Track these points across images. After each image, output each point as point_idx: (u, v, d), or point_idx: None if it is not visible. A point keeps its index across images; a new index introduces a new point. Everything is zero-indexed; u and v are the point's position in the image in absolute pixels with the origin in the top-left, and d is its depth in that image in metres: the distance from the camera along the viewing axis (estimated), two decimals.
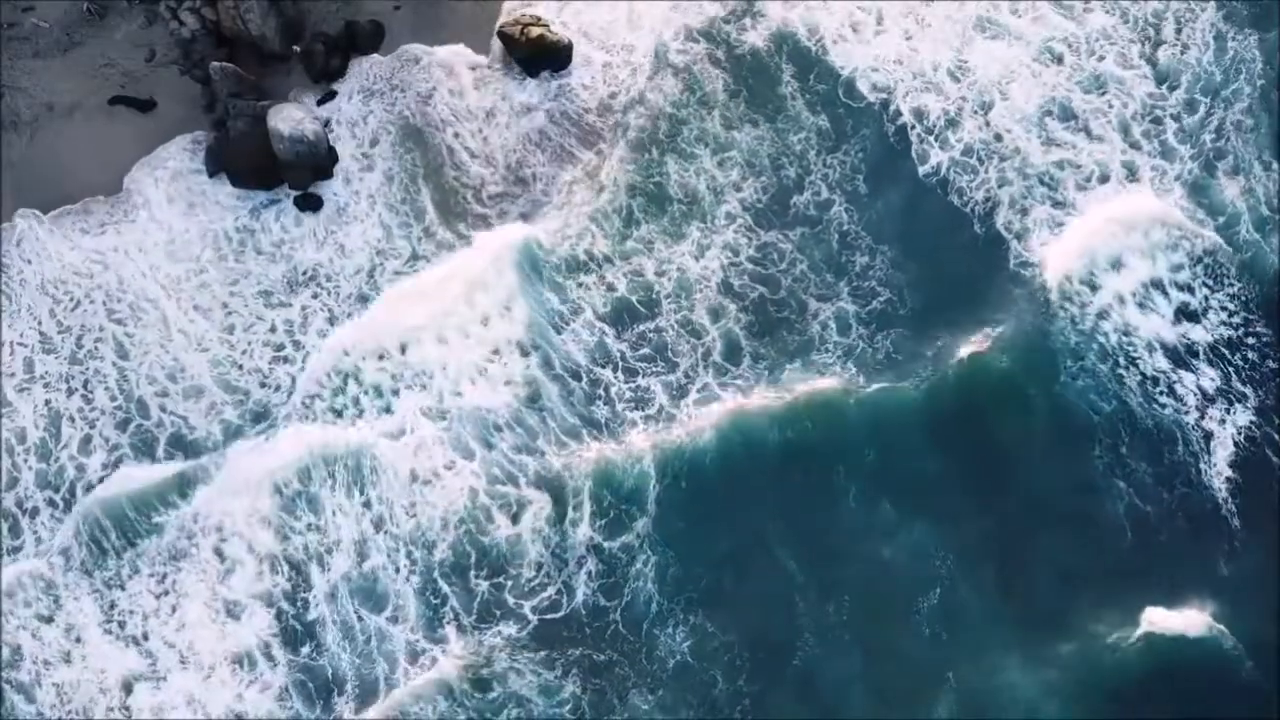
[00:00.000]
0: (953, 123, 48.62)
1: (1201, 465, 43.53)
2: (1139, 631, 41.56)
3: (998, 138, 48.34)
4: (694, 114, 48.93)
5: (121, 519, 42.20)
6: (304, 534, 42.28)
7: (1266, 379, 44.87)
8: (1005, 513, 43.19)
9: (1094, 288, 45.76)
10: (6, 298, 45.11)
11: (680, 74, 49.55)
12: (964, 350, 44.95)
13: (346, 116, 48.50)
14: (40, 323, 45.06)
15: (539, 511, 42.72)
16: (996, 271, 46.44)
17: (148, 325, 45.06)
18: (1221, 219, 47.02)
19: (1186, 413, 44.15)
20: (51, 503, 42.69)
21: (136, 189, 46.93)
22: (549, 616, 41.69)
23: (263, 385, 44.50)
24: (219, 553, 42.04)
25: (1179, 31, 49.90)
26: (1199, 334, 45.31)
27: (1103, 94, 49.07)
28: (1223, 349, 45.17)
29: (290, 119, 46.75)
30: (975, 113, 48.78)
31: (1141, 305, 45.54)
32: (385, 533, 42.35)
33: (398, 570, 41.93)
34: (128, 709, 40.17)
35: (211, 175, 47.36)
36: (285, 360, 44.85)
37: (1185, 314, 45.65)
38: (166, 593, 41.64)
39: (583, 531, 42.52)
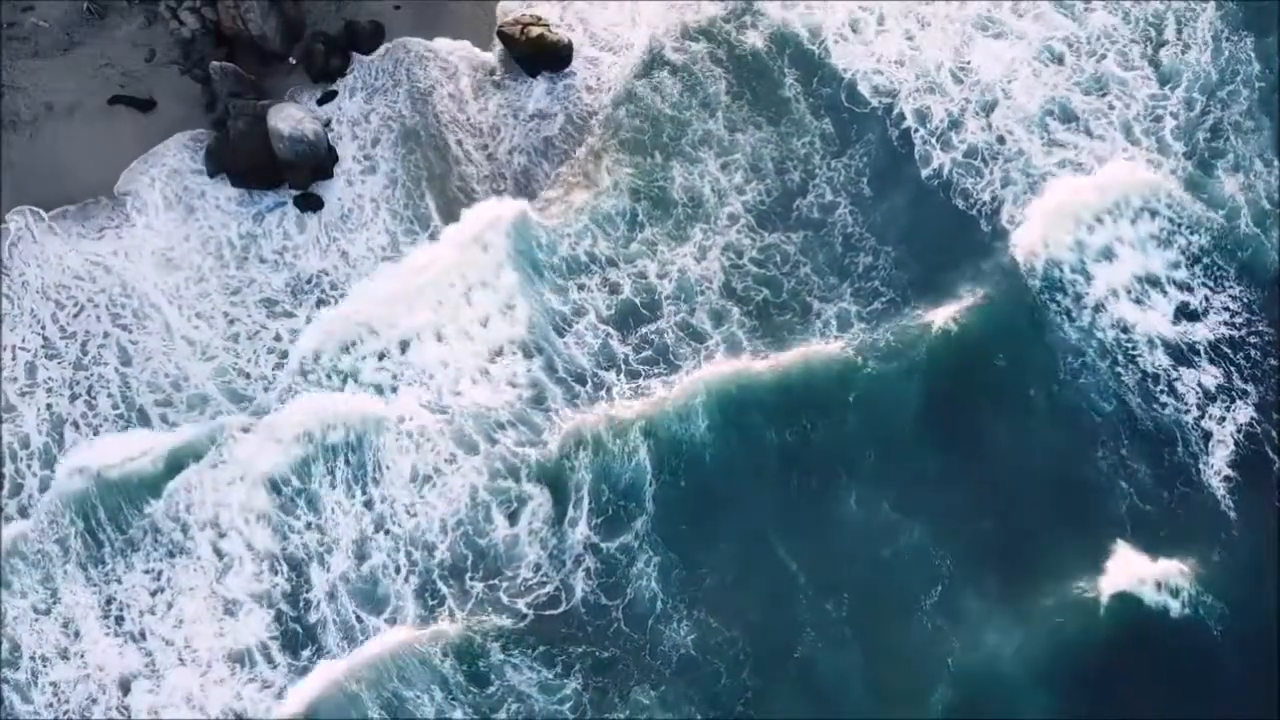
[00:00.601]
0: (956, 124, 48.54)
1: (1198, 452, 43.65)
2: (1112, 591, 41.60)
3: (1000, 140, 48.24)
4: (696, 116, 48.85)
5: (116, 509, 42.00)
6: (303, 533, 42.02)
7: (1249, 333, 45.23)
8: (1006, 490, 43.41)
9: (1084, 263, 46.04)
10: (8, 299, 44.91)
11: (679, 73, 49.49)
12: (946, 317, 45.22)
13: (348, 116, 48.43)
14: (45, 328, 44.83)
15: (537, 509, 42.55)
16: (998, 272, 46.50)
17: (151, 333, 44.81)
18: (1222, 212, 46.85)
19: (1175, 382, 44.41)
20: None
21: (135, 191, 46.77)
22: (547, 612, 41.43)
23: (267, 390, 44.20)
24: (217, 550, 41.76)
25: (1180, 31, 49.84)
26: (1193, 299, 45.59)
27: (1104, 95, 49.00)
28: (1212, 315, 45.48)
29: (290, 118, 46.62)
30: (978, 114, 48.69)
31: (1138, 298, 45.57)
32: (385, 531, 42.13)
33: (398, 570, 41.64)
34: (126, 708, 39.87)
35: (211, 175, 47.23)
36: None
37: (1180, 286, 45.88)
38: (163, 589, 41.33)
39: (581, 526, 42.41)
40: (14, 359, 44.48)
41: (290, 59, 48.77)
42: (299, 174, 47.06)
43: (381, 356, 44.58)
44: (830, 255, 46.47)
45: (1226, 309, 45.39)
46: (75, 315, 45.03)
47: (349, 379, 44.14)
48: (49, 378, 44.26)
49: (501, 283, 45.60)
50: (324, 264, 46.21)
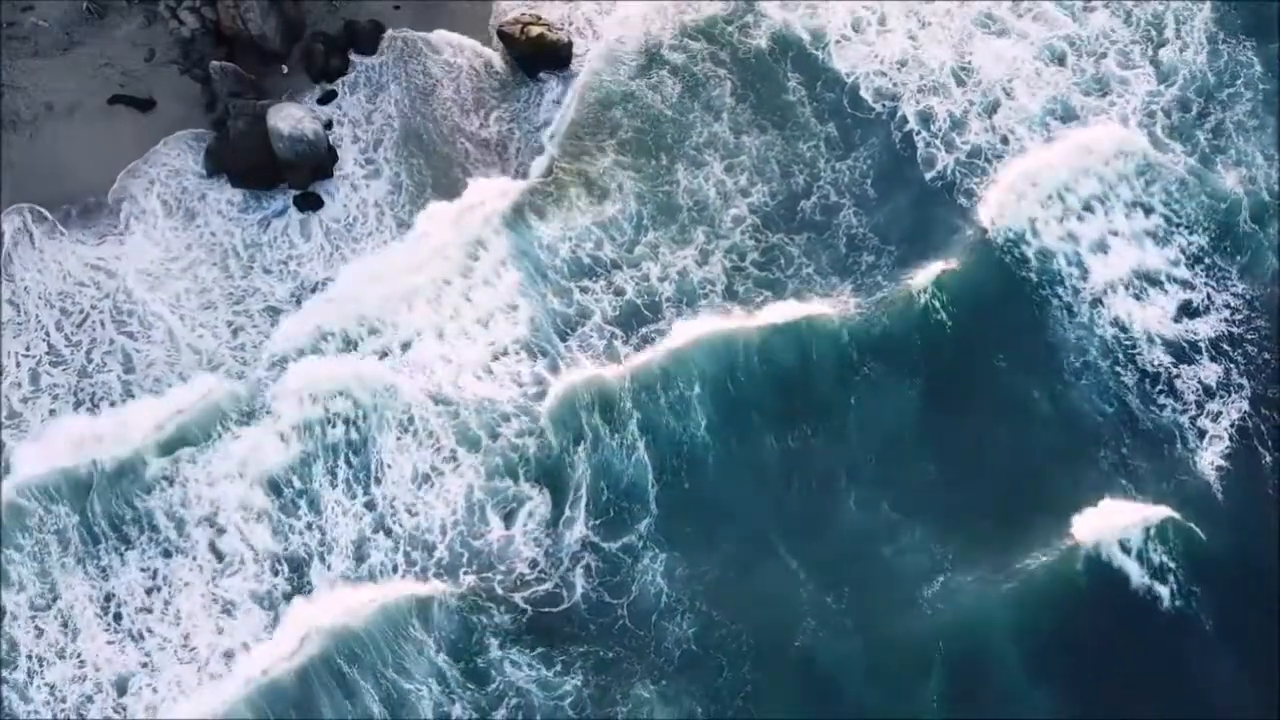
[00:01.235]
0: (959, 124, 48.60)
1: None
2: (1092, 566, 41.29)
3: (1004, 140, 48.26)
4: (700, 118, 48.84)
5: (113, 505, 41.64)
6: (303, 533, 41.78)
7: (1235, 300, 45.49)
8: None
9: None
10: (11, 305, 44.71)
11: (680, 74, 49.48)
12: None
13: (349, 117, 48.35)
14: (49, 335, 44.58)
15: (535, 507, 42.31)
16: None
17: (155, 341, 44.56)
18: (1224, 206, 46.82)
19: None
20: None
21: (134, 196, 46.55)
22: (546, 610, 41.11)
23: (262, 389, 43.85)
24: (215, 549, 41.50)
25: (1178, 31, 50.08)
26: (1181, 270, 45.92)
27: (1104, 94, 49.10)
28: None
29: (290, 118, 46.51)
30: (981, 115, 48.77)
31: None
32: (384, 531, 41.90)
33: (395, 569, 41.36)
34: (124, 707, 39.53)
35: (211, 175, 47.09)
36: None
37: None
38: (160, 588, 41.04)
39: (579, 525, 42.16)
40: (18, 366, 44.16)
41: (284, 67, 48.65)
42: (299, 174, 46.93)
43: (383, 356, 44.30)
44: (834, 256, 46.32)
45: (1207, 283, 45.62)
46: (80, 324, 44.67)
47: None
48: (54, 384, 43.92)
49: (503, 283, 45.51)
50: (329, 272, 45.87)
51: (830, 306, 45.03)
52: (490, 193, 46.93)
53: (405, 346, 44.36)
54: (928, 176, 47.78)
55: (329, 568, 41.19)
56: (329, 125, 47.94)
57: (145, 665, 39.81)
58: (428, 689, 39.54)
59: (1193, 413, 43.52)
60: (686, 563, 41.53)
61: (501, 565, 41.37)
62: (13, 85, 47.53)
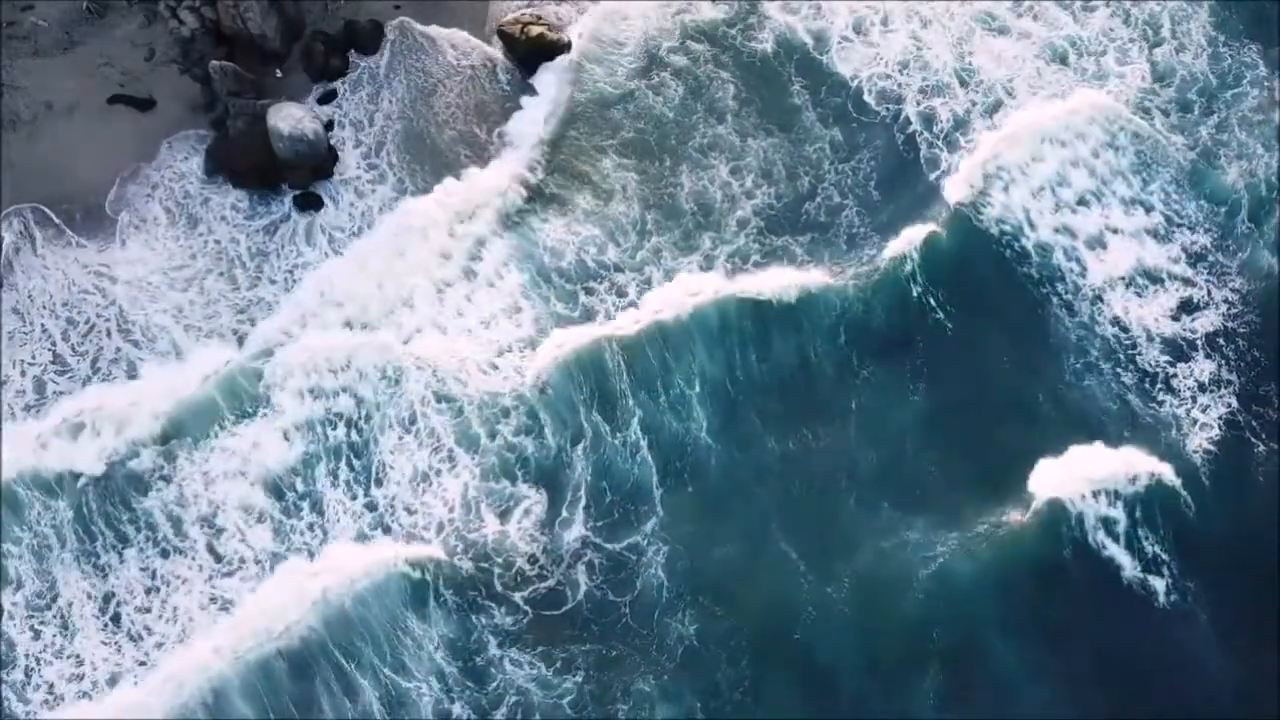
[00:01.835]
0: (961, 124, 48.61)
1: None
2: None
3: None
4: (703, 119, 48.79)
5: (111, 503, 41.55)
6: (304, 534, 41.63)
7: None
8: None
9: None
10: (15, 314, 44.58)
11: (682, 76, 49.42)
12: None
13: (350, 118, 48.23)
14: (55, 343, 44.33)
15: (533, 505, 42.15)
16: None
17: (159, 351, 44.31)
18: (1224, 207, 46.83)
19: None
20: None
21: (134, 203, 46.32)
22: (547, 612, 40.88)
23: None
24: (213, 550, 41.33)
25: (1174, 32, 50.32)
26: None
27: (1105, 93, 49.13)
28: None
29: (290, 118, 46.43)
30: (983, 115, 48.78)
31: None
32: (383, 529, 41.72)
33: (395, 568, 41.16)
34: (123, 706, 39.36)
35: (210, 175, 46.96)
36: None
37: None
38: (158, 588, 40.84)
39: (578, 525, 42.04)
40: (23, 374, 43.91)
41: (278, 71, 48.55)
42: (299, 174, 46.84)
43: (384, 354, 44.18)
44: (836, 252, 46.28)
45: (1207, 280, 45.65)
46: (86, 334, 44.38)
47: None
48: (58, 392, 43.69)
49: (505, 284, 45.43)
50: (330, 272, 45.56)
51: (827, 274, 45.30)
52: (491, 193, 46.86)
53: (406, 342, 44.25)
54: (931, 176, 47.78)
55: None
56: (330, 125, 47.82)
57: (144, 665, 39.67)
58: (428, 687, 39.35)
59: (1188, 405, 43.57)
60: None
61: (499, 559, 41.29)
62: (13, 85, 47.50)
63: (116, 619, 40.28)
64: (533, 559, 41.18)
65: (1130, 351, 44.19)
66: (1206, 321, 44.83)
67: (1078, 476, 41.69)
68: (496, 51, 49.61)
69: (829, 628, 40.10)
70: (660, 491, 42.33)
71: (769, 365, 44.28)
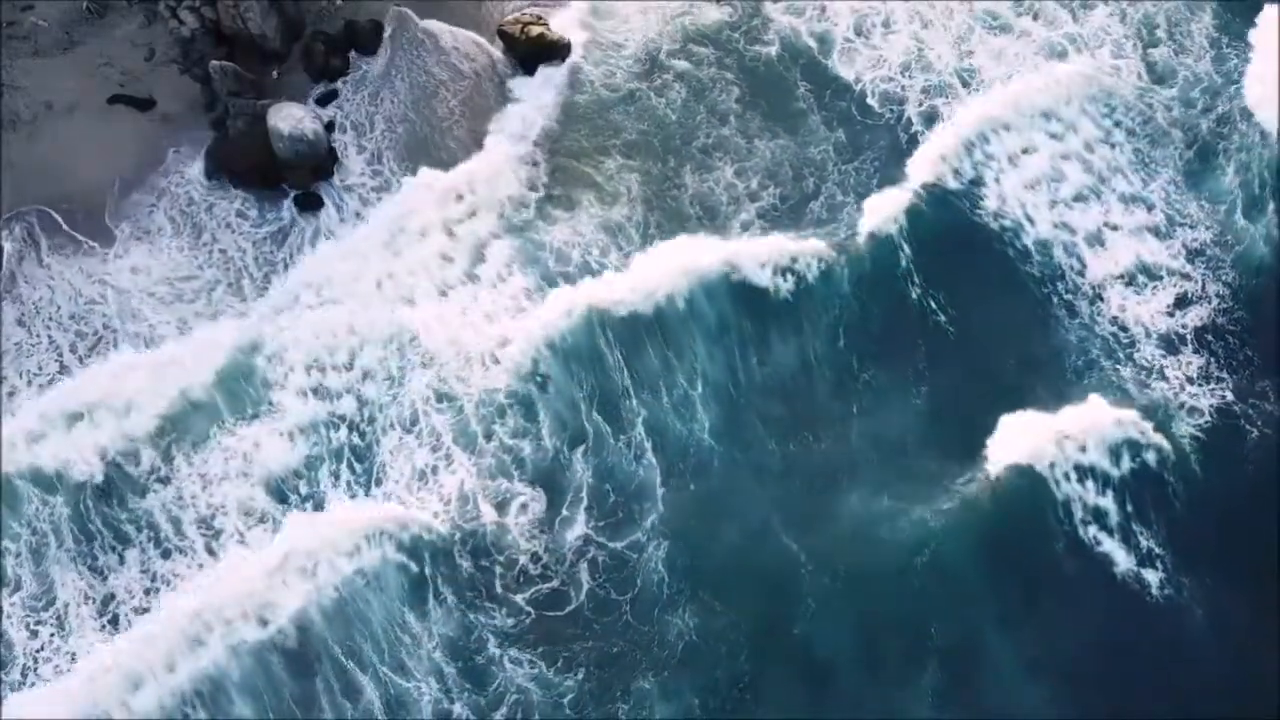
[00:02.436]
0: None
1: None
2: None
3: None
4: (706, 120, 48.83)
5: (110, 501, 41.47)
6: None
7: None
8: None
9: None
10: (21, 326, 44.49)
11: (685, 79, 49.49)
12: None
13: (351, 120, 48.19)
14: (61, 353, 44.10)
15: (532, 504, 42.02)
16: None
17: (160, 351, 44.02)
18: (1223, 206, 46.79)
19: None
20: None
21: (136, 214, 46.26)
22: (549, 612, 40.71)
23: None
24: (211, 551, 41.19)
25: (1172, 33, 50.44)
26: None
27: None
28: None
29: (290, 118, 46.39)
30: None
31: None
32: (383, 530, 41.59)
33: (396, 569, 41.07)
34: (124, 706, 39.21)
35: (210, 176, 46.91)
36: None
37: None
38: (158, 589, 40.72)
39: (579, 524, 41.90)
40: (29, 385, 43.68)
41: (274, 72, 48.54)
42: (299, 174, 46.78)
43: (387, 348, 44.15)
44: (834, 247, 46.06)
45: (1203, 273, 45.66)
46: (92, 347, 44.11)
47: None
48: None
49: (508, 286, 45.37)
50: (332, 273, 45.35)
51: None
52: (492, 193, 46.80)
53: (411, 339, 44.21)
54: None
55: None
56: (330, 126, 47.78)
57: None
58: (425, 684, 39.27)
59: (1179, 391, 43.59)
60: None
61: (501, 558, 41.22)
62: (12, 85, 47.50)
63: (115, 621, 40.10)
64: (535, 557, 41.10)
65: (1128, 348, 44.14)
66: (1199, 315, 44.68)
67: (1070, 459, 41.65)
68: (497, 51, 49.60)
69: (828, 622, 40.05)
70: (654, 459, 42.42)
71: (769, 357, 44.47)
